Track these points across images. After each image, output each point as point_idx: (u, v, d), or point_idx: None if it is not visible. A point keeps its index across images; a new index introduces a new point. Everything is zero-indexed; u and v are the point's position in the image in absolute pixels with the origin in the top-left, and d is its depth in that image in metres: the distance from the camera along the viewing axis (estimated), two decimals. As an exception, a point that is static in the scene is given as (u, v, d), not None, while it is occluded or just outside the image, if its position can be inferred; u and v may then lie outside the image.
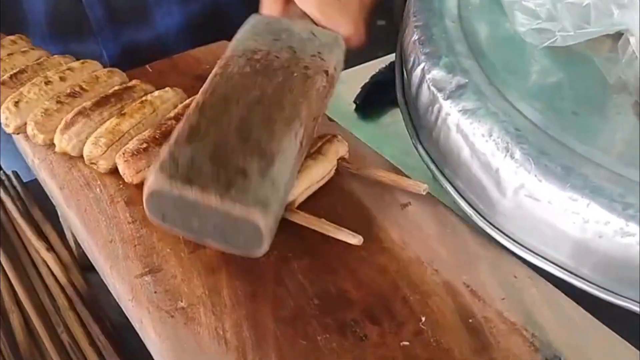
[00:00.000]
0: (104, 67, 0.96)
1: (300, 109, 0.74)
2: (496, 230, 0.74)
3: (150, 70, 1.00)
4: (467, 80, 0.78)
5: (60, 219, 0.97)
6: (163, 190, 0.67)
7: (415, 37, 0.85)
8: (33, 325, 0.91)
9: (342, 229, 0.73)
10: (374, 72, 1.19)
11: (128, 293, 0.72)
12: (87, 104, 0.88)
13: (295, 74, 0.77)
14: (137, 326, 0.71)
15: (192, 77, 0.99)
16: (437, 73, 0.80)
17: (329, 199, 0.79)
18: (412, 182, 0.79)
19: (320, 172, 0.80)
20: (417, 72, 0.83)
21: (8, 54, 0.98)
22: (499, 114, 0.74)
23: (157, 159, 0.68)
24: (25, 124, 0.88)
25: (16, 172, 1.12)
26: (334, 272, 0.72)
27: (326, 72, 0.79)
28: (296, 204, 0.77)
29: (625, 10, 0.75)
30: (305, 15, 0.86)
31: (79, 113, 0.87)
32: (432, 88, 0.80)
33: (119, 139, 0.85)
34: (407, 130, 0.86)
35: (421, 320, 0.66)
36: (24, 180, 1.11)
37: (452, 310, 0.67)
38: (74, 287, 0.94)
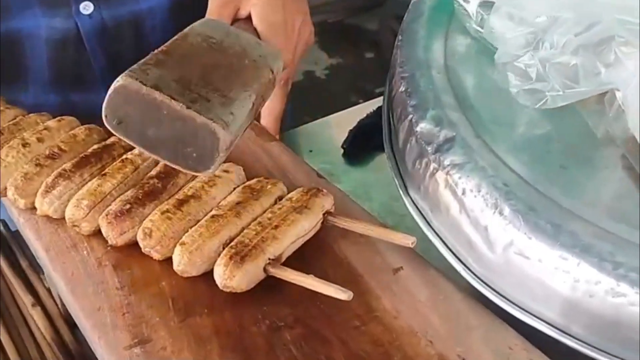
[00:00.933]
0: (98, 117, 0.95)
1: (254, 82, 0.80)
2: (485, 286, 0.74)
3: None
4: (454, 134, 0.78)
5: (46, 277, 0.95)
6: (130, 88, 0.71)
7: (402, 88, 0.85)
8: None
9: (331, 284, 0.73)
10: (361, 117, 1.18)
11: (118, 366, 0.71)
12: (67, 165, 0.87)
13: (245, 61, 0.83)
14: (127, 400, 0.70)
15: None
16: (424, 126, 0.80)
17: (320, 262, 0.78)
18: (401, 236, 0.78)
19: (306, 225, 0.79)
20: (405, 124, 0.83)
21: None
22: (487, 168, 0.74)
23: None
24: (6, 188, 0.87)
25: (4, 220, 1.10)
26: (327, 343, 0.71)
27: (271, 70, 0.83)
28: (283, 259, 0.77)
29: (612, 68, 0.75)
30: (253, 32, 0.91)
31: (59, 175, 0.86)
32: (420, 141, 0.80)
33: (102, 200, 0.84)
34: (395, 182, 0.86)
35: (417, 396, 0.66)
36: (12, 230, 1.09)
37: (448, 385, 0.66)
38: (62, 343, 0.93)
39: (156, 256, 0.80)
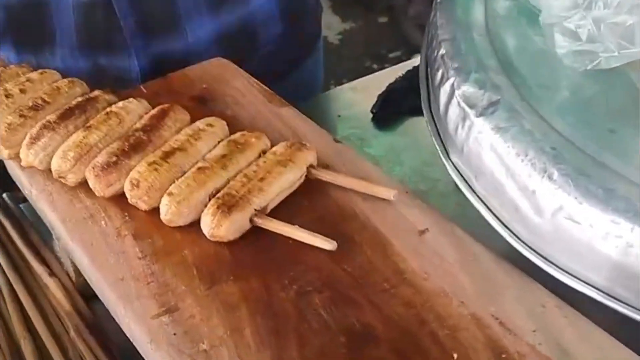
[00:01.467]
0: (126, 81, 0.95)
1: None
2: (531, 251, 0.73)
3: (145, 90, 0.97)
4: (499, 97, 0.76)
5: (58, 249, 0.94)
6: None
7: (443, 51, 0.84)
8: (46, 351, 0.88)
9: (316, 235, 0.74)
10: (389, 81, 1.17)
11: (145, 335, 0.70)
12: (52, 117, 0.87)
13: None
14: (157, 370, 0.69)
15: (188, 97, 0.96)
16: (467, 89, 0.79)
17: (343, 226, 0.78)
18: (384, 189, 0.79)
19: (291, 178, 0.80)
20: (446, 87, 0.81)
21: None
22: (534, 131, 0.72)
23: None
24: None
25: (10, 193, 1.09)
26: (357, 307, 0.70)
27: None
28: (268, 210, 0.78)
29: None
30: None
31: (44, 127, 0.86)
32: (463, 104, 0.78)
33: (87, 152, 0.84)
34: (436, 146, 0.84)
35: (453, 357, 0.65)
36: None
37: (484, 345, 0.66)
38: (80, 314, 0.91)
39: (143, 207, 0.80)
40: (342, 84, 1.26)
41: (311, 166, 0.82)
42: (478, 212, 0.78)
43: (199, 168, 0.80)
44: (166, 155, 0.82)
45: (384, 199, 0.80)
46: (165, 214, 0.78)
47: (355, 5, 3.66)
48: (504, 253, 0.74)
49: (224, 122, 0.87)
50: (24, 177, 0.88)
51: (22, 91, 0.91)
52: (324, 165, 0.84)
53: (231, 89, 0.98)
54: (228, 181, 0.80)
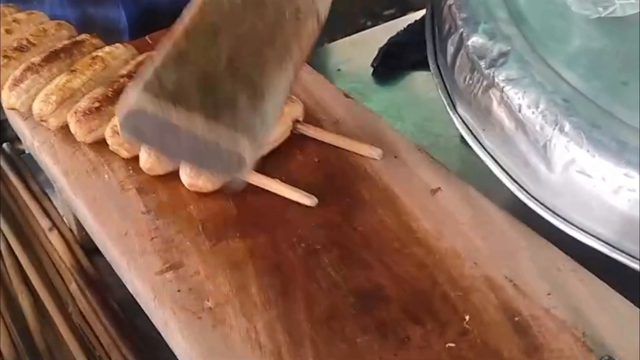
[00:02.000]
0: (114, 31, 0.92)
1: (292, 49, 0.68)
2: (541, 206, 0.71)
3: (150, 42, 0.94)
4: (509, 48, 0.74)
5: (60, 202, 0.92)
6: (145, 110, 0.59)
7: (451, 1, 0.81)
8: (44, 306, 0.86)
9: (296, 189, 0.73)
10: (390, 35, 1.14)
11: (149, 292, 0.68)
12: (36, 59, 0.85)
13: (286, 14, 0.71)
14: (160, 327, 0.67)
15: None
16: (476, 40, 0.77)
17: (354, 185, 0.76)
18: (368, 147, 0.78)
19: (275, 133, 0.78)
20: (454, 38, 0.79)
21: None
22: (545, 83, 0.70)
23: (139, 78, 0.59)
24: None
25: (10, 143, 1.07)
26: (367, 266, 0.68)
27: (317, 15, 0.74)
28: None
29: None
30: None
31: (28, 69, 0.84)
32: (472, 56, 0.76)
33: (70, 96, 0.82)
34: (442, 99, 0.82)
35: (465, 319, 0.63)
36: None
37: (496, 307, 0.64)
38: (81, 268, 0.90)
39: (124, 154, 0.79)
40: (336, 39, 1.24)
41: (297, 121, 0.80)
42: (482, 167, 0.76)
43: None
44: None
45: (395, 157, 0.77)
46: (144, 163, 0.77)
47: (350, -39, 3.60)
48: (509, 209, 0.73)
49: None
50: (26, 129, 0.85)
51: (7, 31, 0.90)
52: (334, 120, 0.82)
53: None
54: None
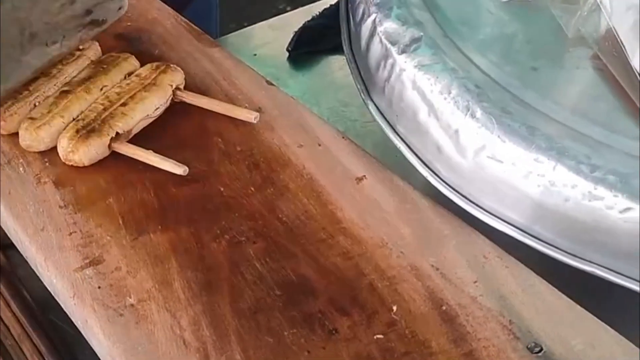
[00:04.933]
0: None
1: None
2: (454, 192, 0.72)
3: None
4: (421, 33, 0.74)
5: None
6: None
7: None
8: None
9: (168, 159, 0.73)
10: (307, 19, 1.12)
11: (69, 290, 0.66)
12: None
13: None
14: (80, 326, 0.65)
15: (112, 35, 0.91)
16: (389, 25, 0.76)
17: (279, 174, 0.74)
18: (245, 111, 0.78)
19: (155, 102, 0.79)
20: (368, 23, 0.79)
21: None
22: (457, 69, 0.71)
23: None
24: None
25: None
26: (293, 257, 0.67)
27: None
28: (131, 135, 0.76)
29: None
30: None
31: None
32: (385, 41, 0.76)
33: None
34: (356, 85, 0.82)
35: (392, 309, 0.63)
36: None
37: (424, 297, 0.64)
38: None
39: (2, 132, 0.78)
40: (243, 26, 1.22)
41: (177, 88, 0.80)
42: (398, 153, 0.76)
43: (62, 92, 0.79)
44: (28, 82, 0.79)
45: (319, 145, 0.77)
46: (23, 139, 0.76)
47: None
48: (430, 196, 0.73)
49: (96, 44, 0.85)
50: None
51: None
52: (256, 108, 0.81)
53: (158, 26, 0.93)
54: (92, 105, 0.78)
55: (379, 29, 0.76)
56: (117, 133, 0.76)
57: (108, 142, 0.75)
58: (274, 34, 1.14)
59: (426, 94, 0.71)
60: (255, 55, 1.10)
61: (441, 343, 0.61)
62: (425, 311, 0.63)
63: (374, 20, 0.77)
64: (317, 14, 1.13)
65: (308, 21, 1.12)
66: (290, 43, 1.11)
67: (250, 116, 0.77)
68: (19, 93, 0.78)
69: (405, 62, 0.73)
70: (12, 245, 0.77)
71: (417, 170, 0.75)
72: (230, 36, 1.16)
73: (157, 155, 0.74)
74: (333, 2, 1.13)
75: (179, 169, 0.72)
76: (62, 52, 0.81)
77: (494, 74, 0.70)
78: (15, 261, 0.85)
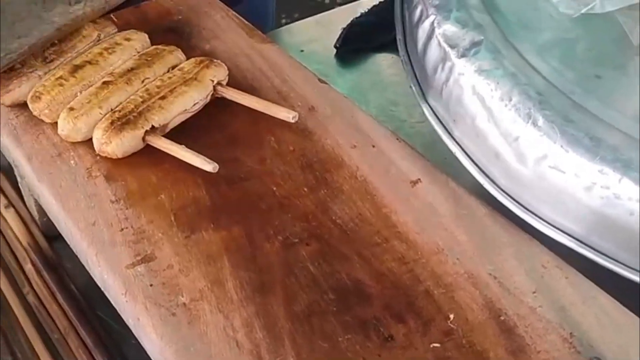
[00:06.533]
0: None
1: None
2: (512, 200, 0.70)
3: (116, 20, 0.90)
4: (482, 37, 0.73)
5: (20, 186, 0.88)
6: None
7: None
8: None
9: (199, 155, 0.72)
10: (354, 16, 1.11)
11: (120, 286, 0.65)
12: None
13: None
14: (132, 324, 0.65)
15: (163, 29, 0.90)
16: (448, 28, 0.75)
17: (334, 173, 0.73)
18: (284, 110, 0.77)
19: (195, 96, 0.78)
20: (425, 25, 0.78)
21: None
22: (519, 75, 0.69)
23: None
24: None
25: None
26: (347, 261, 0.66)
27: None
28: (167, 130, 0.76)
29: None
30: None
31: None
32: (443, 44, 0.75)
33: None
34: (411, 87, 0.81)
35: (449, 317, 0.62)
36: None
37: (481, 305, 0.62)
38: (40, 250, 0.86)
39: (46, 120, 0.78)
40: (294, 19, 1.21)
41: (219, 84, 0.79)
42: (448, 155, 0.75)
43: (104, 82, 0.78)
44: (74, 69, 0.79)
45: (373, 146, 0.75)
46: (62, 129, 0.76)
47: None
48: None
49: (145, 35, 0.85)
50: (-16, 109, 0.82)
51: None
52: (308, 107, 0.80)
53: (209, 21, 0.92)
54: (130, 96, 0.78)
55: (438, 31, 0.75)
56: (153, 126, 0.75)
57: (142, 134, 0.74)
58: (320, 30, 1.13)
59: (486, 99, 0.69)
60: (302, 51, 1.09)
61: (499, 354, 0.59)
62: (483, 321, 0.61)
63: (433, 22, 0.76)
64: (366, 10, 1.11)
65: (356, 18, 1.11)
66: (337, 40, 1.10)
67: (288, 115, 0.76)
68: (65, 80, 0.78)
69: (465, 66, 0.72)
70: (58, 237, 0.76)
71: (469, 174, 0.74)
72: (278, 31, 1.15)
73: (189, 150, 0.73)
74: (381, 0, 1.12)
75: (209, 166, 0.71)
76: (85, 12, 0.81)
77: (556, 80, 0.68)
78: (62, 253, 0.84)
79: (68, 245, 0.74)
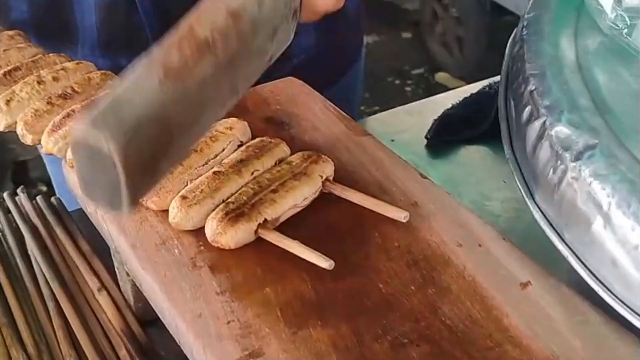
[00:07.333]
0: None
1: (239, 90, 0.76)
2: (630, 311, 0.68)
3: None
4: (596, 141, 0.71)
5: (117, 270, 0.88)
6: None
7: (531, 87, 0.79)
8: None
9: (314, 251, 0.71)
10: (445, 107, 1.12)
11: (229, 381, 0.64)
12: (77, 106, 0.86)
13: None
14: (241, 422, 0.64)
15: (262, 118, 0.91)
16: (561, 130, 0.74)
17: (442, 275, 0.72)
18: (395, 209, 0.77)
19: (305, 192, 0.78)
20: (536, 126, 0.77)
21: (4, 50, 0.96)
22: (637, 181, 0.68)
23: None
24: (16, 122, 0.87)
25: (59, 198, 1.04)
26: (459, 364, 0.65)
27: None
28: (278, 223, 0.77)
29: None
30: None
31: (67, 115, 0.85)
32: (556, 146, 0.74)
33: None
34: (520, 187, 0.80)
35: None
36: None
37: (603, 421, 0.60)
38: (132, 335, 0.86)
39: (153, 207, 0.78)
40: (362, 97, 1.21)
41: (327, 179, 0.79)
42: (539, 252, 0.73)
43: (215, 173, 0.79)
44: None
45: (480, 245, 0.74)
46: (173, 217, 0.76)
47: (379, 18, 3.61)
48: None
49: (245, 124, 0.86)
50: (22, 140, 0.85)
51: (55, 79, 0.91)
52: (411, 202, 0.79)
53: (307, 112, 0.92)
54: (242, 187, 0.78)
55: (549, 132, 0.74)
56: (265, 219, 0.75)
57: (255, 227, 0.75)
58: (411, 120, 1.14)
59: (602, 205, 0.68)
60: (393, 140, 1.09)
61: None
62: None
63: (544, 122, 0.75)
64: (457, 102, 1.12)
65: (448, 109, 1.12)
66: (429, 130, 1.10)
67: (400, 215, 0.76)
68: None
69: (580, 170, 0.70)
70: (152, 323, 0.76)
71: (577, 276, 0.72)
72: (367, 120, 1.16)
73: (303, 245, 0.73)
74: (473, 92, 1.12)
75: (325, 263, 0.71)
76: None
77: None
78: (156, 339, 0.84)
79: (162, 332, 0.73)
